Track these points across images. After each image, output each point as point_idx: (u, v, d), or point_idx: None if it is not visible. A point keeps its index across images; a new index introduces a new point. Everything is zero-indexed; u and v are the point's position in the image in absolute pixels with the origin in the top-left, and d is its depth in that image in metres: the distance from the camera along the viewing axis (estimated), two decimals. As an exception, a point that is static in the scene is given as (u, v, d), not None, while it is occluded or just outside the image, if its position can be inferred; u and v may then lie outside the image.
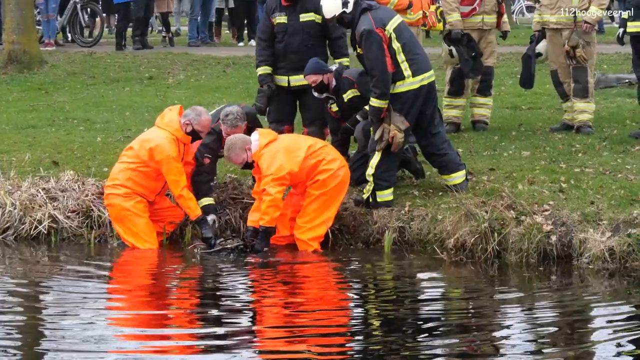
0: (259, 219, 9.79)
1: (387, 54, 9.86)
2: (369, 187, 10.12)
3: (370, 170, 10.08)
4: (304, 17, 10.81)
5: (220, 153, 10.31)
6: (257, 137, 9.92)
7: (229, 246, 9.94)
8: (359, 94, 10.42)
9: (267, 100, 10.86)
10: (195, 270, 9.66)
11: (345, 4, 10.01)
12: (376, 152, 10.05)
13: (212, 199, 10.26)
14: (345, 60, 10.84)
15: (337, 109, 10.66)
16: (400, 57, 9.94)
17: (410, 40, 10.10)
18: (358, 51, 10.07)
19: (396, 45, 9.92)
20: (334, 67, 10.61)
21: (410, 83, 9.98)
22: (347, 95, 10.50)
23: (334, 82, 10.51)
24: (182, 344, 7.49)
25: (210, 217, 10.16)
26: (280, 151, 9.79)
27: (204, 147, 10.26)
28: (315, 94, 10.63)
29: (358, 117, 10.51)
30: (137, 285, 9.32)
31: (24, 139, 13.05)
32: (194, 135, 10.14)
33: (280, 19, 10.88)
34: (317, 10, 10.63)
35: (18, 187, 10.83)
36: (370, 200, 10.17)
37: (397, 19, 10.06)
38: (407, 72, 9.96)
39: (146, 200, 10.14)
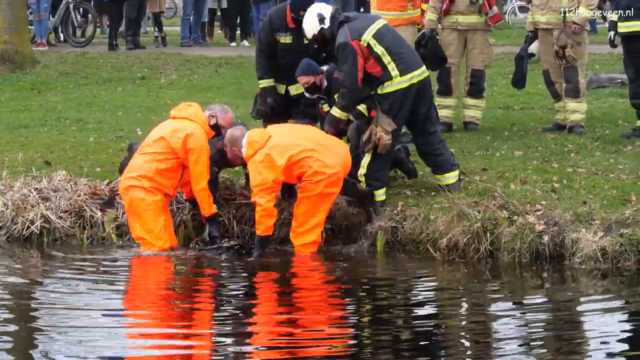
0: (255, 228, 9.86)
1: (360, 69, 9.88)
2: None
3: (362, 171, 10.08)
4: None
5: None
6: (244, 145, 9.89)
7: (225, 245, 9.95)
8: None
9: (272, 109, 10.91)
10: (189, 272, 9.65)
11: (321, 20, 10.06)
12: (366, 153, 10.05)
13: (215, 206, 10.21)
14: None
15: (328, 108, 10.65)
16: (386, 59, 9.95)
17: (394, 41, 10.10)
18: None
19: (379, 49, 9.93)
20: (325, 68, 10.62)
21: (398, 82, 9.98)
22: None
23: (325, 83, 10.52)
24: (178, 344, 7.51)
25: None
26: (262, 162, 9.70)
27: (212, 162, 10.27)
28: (307, 95, 10.63)
29: (350, 116, 10.49)
30: (129, 288, 9.32)
31: (16, 138, 13.04)
32: (216, 129, 10.10)
33: (286, 39, 10.86)
34: None
35: (10, 187, 10.82)
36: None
37: (377, 25, 10.05)
38: (394, 72, 9.96)
39: (166, 198, 10.01)
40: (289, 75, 10.80)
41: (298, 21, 10.68)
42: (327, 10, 10.15)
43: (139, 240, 9.97)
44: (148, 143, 10.09)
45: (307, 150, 9.81)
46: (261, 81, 11.03)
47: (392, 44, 10.03)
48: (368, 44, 9.92)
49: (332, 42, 10.17)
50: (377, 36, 9.96)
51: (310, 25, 10.17)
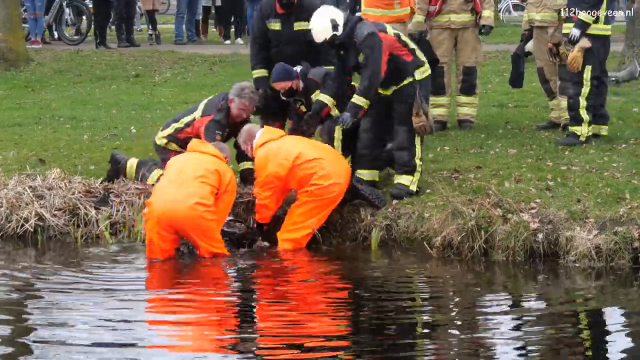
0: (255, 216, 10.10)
1: (384, 60, 9.85)
2: (418, 175, 10.16)
3: (418, 161, 10.12)
4: (298, 25, 10.73)
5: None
6: (258, 135, 10.00)
7: (232, 232, 9.98)
8: None
9: (265, 100, 10.82)
10: (181, 270, 9.64)
11: (335, 27, 9.88)
12: (416, 140, 10.08)
13: None
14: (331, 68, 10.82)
15: (305, 109, 10.65)
16: (412, 46, 10.15)
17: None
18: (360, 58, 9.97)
19: (404, 38, 10.14)
20: (299, 69, 10.55)
21: (427, 69, 10.22)
22: (315, 95, 10.49)
23: (301, 85, 10.50)
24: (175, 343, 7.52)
25: None
26: (269, 154, 9.79)
27: (214, 124, 10.19)
28: (284, 98, 10.61)
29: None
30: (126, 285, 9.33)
31: (10, 136, 13.03)
32: None
33: (275, 25, 10.84)
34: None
35: (4, 185, 10.82)
36: (418, 188, 10.23)
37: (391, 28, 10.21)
38: (423, 57, 10.18)
39: None
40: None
41: (286, 6, 10.67)
42: (340, 16, 9.92)
43: (209, 255, 9.60)
44: (209, 174, 9.62)
45: (318, 155, 9.90)
46: (254, 71, 11.04)
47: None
48: (395, 34, 10.03)
49: (339, 49, 10.04)
50: (396, 32, 10.14)
51: (322, 29, 9.93)
